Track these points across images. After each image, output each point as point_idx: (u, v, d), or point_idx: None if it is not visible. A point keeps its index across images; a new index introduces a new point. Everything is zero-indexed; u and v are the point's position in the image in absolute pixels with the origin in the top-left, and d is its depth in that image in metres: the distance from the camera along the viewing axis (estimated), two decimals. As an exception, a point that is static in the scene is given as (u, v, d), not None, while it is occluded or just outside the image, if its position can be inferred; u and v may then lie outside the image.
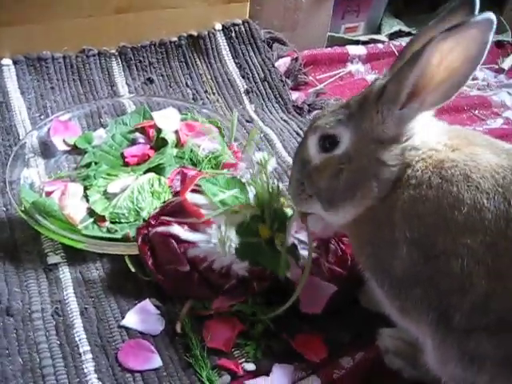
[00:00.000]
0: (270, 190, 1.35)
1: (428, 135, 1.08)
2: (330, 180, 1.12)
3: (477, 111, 2.29)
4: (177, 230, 1.35)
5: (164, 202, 1.46)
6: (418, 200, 1.03)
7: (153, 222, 1.37)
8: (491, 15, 0.90)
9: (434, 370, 1.09)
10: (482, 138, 1.11)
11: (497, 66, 2.61)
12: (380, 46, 2.53)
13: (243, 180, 1.45)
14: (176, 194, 1.46)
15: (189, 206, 1.36)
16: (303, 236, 1.38)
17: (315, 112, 2.12)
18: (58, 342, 1.25)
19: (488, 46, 0.93)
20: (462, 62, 0.96)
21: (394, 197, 1.06)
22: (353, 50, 2.46)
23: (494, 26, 0.91)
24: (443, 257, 0.99)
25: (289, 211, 1.38)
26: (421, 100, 1.01)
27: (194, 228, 1.36)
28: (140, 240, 1.36)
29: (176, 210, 1.39)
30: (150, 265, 1.35)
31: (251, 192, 1.40)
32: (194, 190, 1.40)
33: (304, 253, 1.36)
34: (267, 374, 1.21)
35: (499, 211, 0.96)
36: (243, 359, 1.26)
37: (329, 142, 1.11)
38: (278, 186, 1.37)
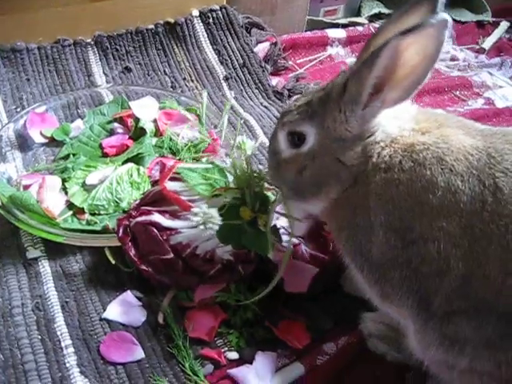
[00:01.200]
0: (249, 172, 1.34)
1: (392, 125, 1.07)
2: (295, 175, 1.15)
3: (458, 92, 2.29)
4: (158, 218, 1.34)
5: (144, 192, 1.44)
6: (391, 183, 1.02)
7: (134, 213, 1.36)
8: (446, 16, 0.90)
9: (416, 353, 1.09)
10: (455, 119, 1.11)
11: (477, 47, 2.61)
12: (360, 28, 2.52)
13: (222, 165, 1.44)
14: (155, 183, 1.45)
15: (169, 194, 1.36)
16: (284, 222, 1.37)
17: (294, 97, 2.11)
18: (40, 337, 1.24)
19: (444, 44, 0.94)
20: (420, 60, 0.96)
21: (365, 181, 1.06)
22: (332, 33, 2.45)
23: (450, 25, 0.91)
24: (420, 241, 0.99)
25: (270, 194, 1.37)
26: (382, 98, 1.02)
27: (175, 216, 1.35)
28: (121, 231, 1.35)
29: (156, 200, 1.38)
30: (132, 256, 1.33)
31: (230, 177, 1.39)
32: (172, 178, 1.39)
33: (285, 238, 1.36)
34: (250, 362, 1.21)
35: (474, 193, 0.96)
36: (226, 348, 1.25)
37: (297, 138, 1.12)
38: (259, 170, 1.36)
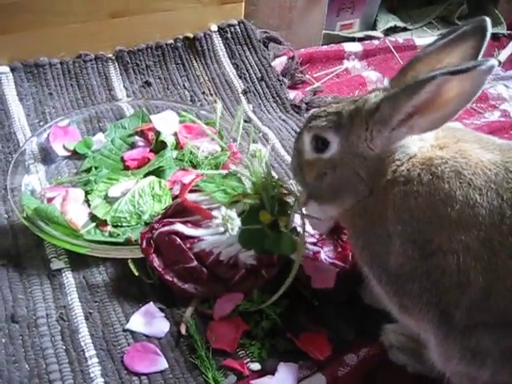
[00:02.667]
0: (266, 177, 1.36)
1: (414, 146, 1.08)
2: (315, 179, 1.18)
3: (474, 104, 2.29)
4: (180, 227, 1.36)
5: (165, 208, 1.46)
6: (409, 195, 1.04)
7: (156, 226, 1.38)
8: (495, 62, 0.91)
9: (437, 365, 1.10)
10: (472, 134, 1.12)
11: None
12: (376, 42, 2.54)
13: (238, 174, 1.47)
14: (175, 197, 1.48)
15: (189, 204, 1.38)
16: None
17: (313, 110, 2.13)
18: (64, 347, 1.26)
19: (481, 89, 0.95)
20: (456, 98, 0.98)
21: (383, 193, 1.08)
22: (349, 46, 2.47)
23: (494, 70, 0.92)
24: (439, 253, 1.00)
25: (288, 199, 1.39)
26: (410, 125, 1.04)
27: (197, 225, 1.38)
28: (144, 243, 1.36)
29: (177, 211, 1.40)
30: (156, 266, 1.35)
31: (248, 183, 1.42)
32: (192, 191, 1.42)
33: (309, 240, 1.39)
34: (273, 374, 1.22)
35: (493, 207, 0.97)
36: (248, 359, 1.26)
37: (321, 143, 1.15)
38: (272, 174, 1.39)
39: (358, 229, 1.15)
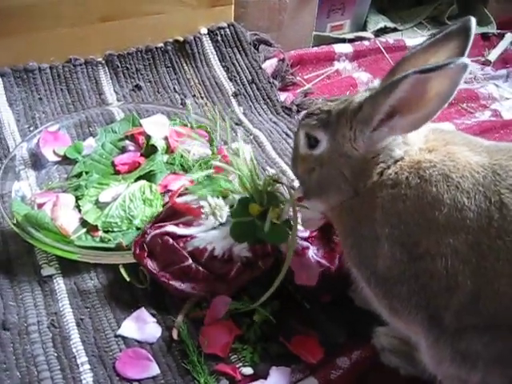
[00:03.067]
0: (251, 171, 1.37)
1: (399, 149, 1.09)
2: (304, 174, 1.21)
3: (465, 104, 2.30)
4: (172, 228, 1.37)
5: (157, 214, 1.46)
6: (398, 199, 1.05)
7: (148, 231, 1.38)
8: (467, 61, 0.93)
9: (429, 368, 1.10)
10: (461, 136, 1.13)
11: (483, 59, 2.61)
12: (366, 43, 2.53)
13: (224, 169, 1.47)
14: (165, 204, 1.49)
15: (179, 206, 1.39)
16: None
17: (303, 112, 2.12)
18: (56, 354, 1.25)
19: (458, 87, 0.96)
20: (434, 97, 0.99)
21: (371, 195, 1.09)
22: (339, 48, 2.46)
23: (468, 70, 0.93)
24: (427, 256, 1.00)
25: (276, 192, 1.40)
26: (390, 126, 1.05)
27: (189, 225, 1.38)
28: (137, 249, 1.36)
29: (168, 215, 1.41)
30: (151, 269, 1.35)
31: (235, 182, 1.43)
32: (181, 194, 1.43)
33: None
34: (265, 378, 1.22)
35: (481, 210, 0.97)
36: (240, 363, 1.26)
37: (313, 140, 1.17)
38: (257, 168, 1.40)
39: (347, 228, 1.16)
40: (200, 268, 1.35)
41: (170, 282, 1.34)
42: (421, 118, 1.02)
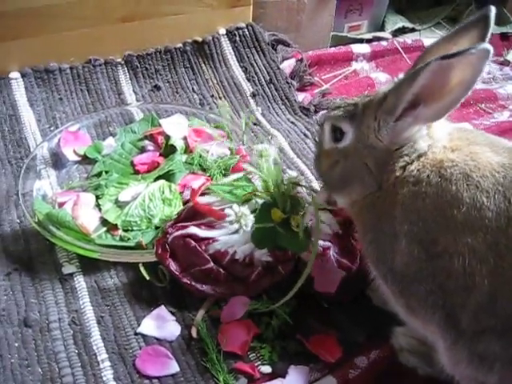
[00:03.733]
0: (276, 174, 1.37)
1: (423, 142, 1.10)
2: (328, 168, 1.21)
3: (483, 105, 2.29)
4: (194, 230, 1.37)
5: (177, 213, 1.46)
6: (418, 196, 1.05)
7: (170, 231, 1.39)
8: (488, 46, 0.92)
9: (446, 368, 1.10)
10: (484, 136, 1.12)
11: (502, 59, 2.60)
12: (384, 43, 2.53)
13: (249, 173, 1.49)
14: (186, 202, 1.49)
15: (201, 207, 1.39)
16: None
17: (322, 112, 2.13)
18: (76, 351, 1.27)
19: (482, 74, 0.96)
20: (457, 85, 0.99)
21: (392, 191, 1.09)
22: (357, 48, 2.46)
23: (491, 55, 0.93)
24: (445, 255, 1.00)
25: (300, 198, 1.40)
26: (415, 115, 1.05)
27: (210, 226, 1.39)
28: (159, 249, 1.37)
29: (190, 216, 1.41)
30: (173, 271, 1.36)
31: (258, 184, 1.43)
32: (203, 194, 1.43)
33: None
34: (283, 376, 1.22)
35: (500, 210, 0.97)
36: (259, 362, 1.27)
37: (339, 133, 1.17)
38: (282, 171, 1.41)
39: (367, 224, 1.16)
40: (221, 270, 1.36)
41: (192, 284, 1.35)
42: (444, 107, 1.02)
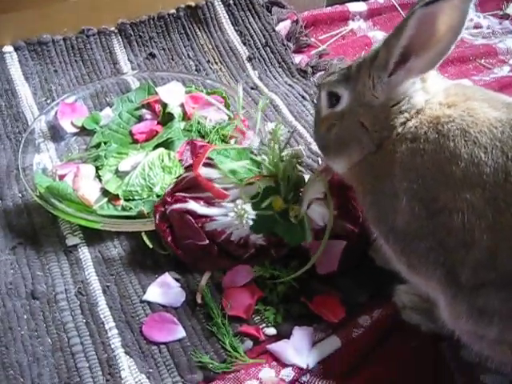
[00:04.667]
0: (284, 159, 1.37)
1: (419, 97, 1.10)
2: (324, 133, 1.21)
3: (483, 60, 2.26)
4: (193, 205, 1.36)
5: (177, 177, 1.46)
6: (416, 153, 1.05)
7: (169, 199, 1.38)
8: None
9: (447, 324, 1.11)
10: (482, 92, 1.12)
11: (501, 13, 2.56)
12: (381, 1, 2.48)
13: (254, 150, 1.46)
14: (188, 167, 1.47)
15: (203, 182, 1.37)
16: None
17: (319, 73, 2.12)
18: (84, 321, 1.29)
19: (467, 16, 0.96)
20: (445, 31, 0.99)
21: (391, 149, 1.09)
22: (353, 7, 2.43)
23: None
24: (445, 211, 1.01)
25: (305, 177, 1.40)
26: (407, 68, 1.05)
27: (209, 202, 1.37)
28: (157, 218, 1.38)
29: (190, 186, 1.40)
30: (169, 241, 1.37)
31: (262, 161, 1.41)
32: (206, 164, 1.40)
33: (319, 209, 1.36)
34: (288, 338, 1.24)
35: (497, 165, 0.97)
36: (264, 324, 1.29)
37: (335, 99, 1.18)
38: (292, 154, 1.38)
39: (366, 185, 1.16)
40: (215, 246, 1.37)
41: (186, 256, 1.37)
42: (436, 55, 1.02)
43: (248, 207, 1.29)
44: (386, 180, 1.10)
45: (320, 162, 1.61)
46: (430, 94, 1.10)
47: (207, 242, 1.35)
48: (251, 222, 1.29)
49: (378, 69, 1.08)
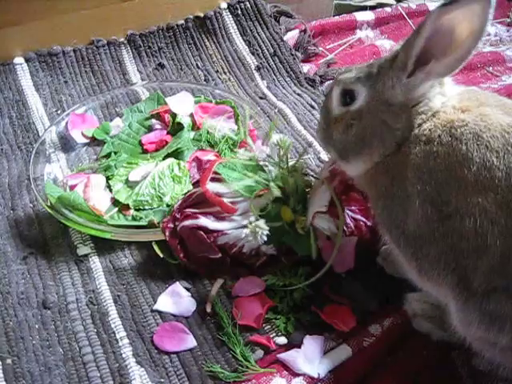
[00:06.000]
0: (292, 170, 1.37)
1: (437, 100, 1.10)
2: (341, 133, 1.19)
3: (491, 68, 2.26)
4: (204, 221, 1.36)
5: (185, 193, 1.47)
6: (429, 155, 1.05)
7: (178, 216, 1.38)
8: None
9: (458, 331, 1.11)
10: (495, 98, 1.12)
11: (508, 20, 2.56)
12: (388, 9, 2.50)
13: (260, 161, 1.46)
14: (195, 183, 1.48)
15: (211, 197, 1.36)
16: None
17: (327, 82, 2.12)
18: (95, 330, 1.30)
19: (488, 23, 0.97)
20: (466, 36, 1.00)
21: (405, 152, 1.10)
22: (361, 16, 2.43)
23: (494, 2, 0.94)
24: (457, 216, 1.01)
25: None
26: (427, 70, 1.05)
27: (219, 217, 1.38)
28: (168, 235, 1.38)
29: (199, 202, 1.40)
30: (181, 257, 1.38)
31: (269, 173, 1.41)
32: (213, 179, 1.40)
33: (324, 220, 1.35)
34: (299, 347, 1.24)
35: (509, 170, 0.97)
36: (274, 333, 1.29)
37: (349, 97, 1.17)
38: (300, 166, 1.39)
39: (379, 188, 1.16)
40: (227, 258, 1.38)
41: (200, 269, 1.39)
42: (456, 60, 1.03)
43: (261, 223, 1.28)
44: (399, 182, 1.10)
45: (320, 168, 1.60)
46: (446, 97, 1.11)
47: (220, 255, 1.36)
48: (265, 239, 1.28)
49: (398, 69, 1.08)
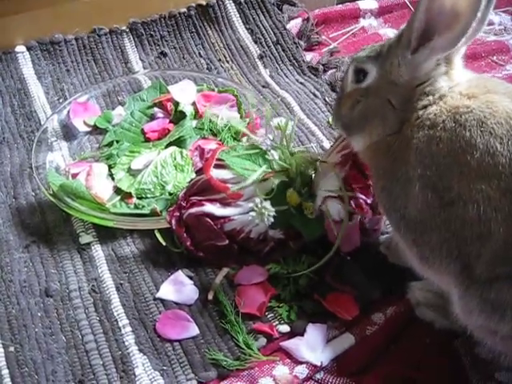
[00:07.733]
0: (294, 154, 1.37)
1: (442, 80, 1.10)
2: (348, 108, 1.20)
3: (495, 57, 2.24)
4: (210, 208, 1.36)
5: (189, 181, 1.46)
6: (432, 140, 1.05)
7: (184, 204, 1.38)
8: None
9: (460, 319, 1.11)
10: (503, 86, 1.11)
11: (512, 9, 2.54)
12: (391, -3, 2.48)
13: (263, 147, 1.46)
14: (199, 171, 1.47)
15: (216, 184, 1.36)
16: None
17: (331, 71, 2.11)
18: (98, 318, 1.30)
19: None
20: (464, 9, 0.99)
21: (409, 135, 1.09)
22: (364, 4, 2.41)
23: None
24: (459, 202, 1.00)
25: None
26: (431, 46, 1.05)
27: (224, 203, 1.37)
28: (174, 223, 1.37)
29: (203, 189, 1.39)
30: (188, 245, 1.37)
31: (273, 157, 1.40)
32: (217, 166, 1.40)
33: (334, 205, 1.35)
34: (302, 335, 1.24)
35: None
36: (277, 322, 1.29)
37: (362, 75, 1.17)
38: (304, 151, 1.39)
39: (380, 169, 1.16)
40: (235, 245, 1.38)
41: (206, 257, 1.38)
42: (457, 34, 1.02)
43: (268, 205, 1.28)
44: (400, 165, 1.10)
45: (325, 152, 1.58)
46: (454, 83, 1.10)
47: (227, 241, 1.36)
48: (272, 220, 1.29)
49: (403, 47, 1.09)
